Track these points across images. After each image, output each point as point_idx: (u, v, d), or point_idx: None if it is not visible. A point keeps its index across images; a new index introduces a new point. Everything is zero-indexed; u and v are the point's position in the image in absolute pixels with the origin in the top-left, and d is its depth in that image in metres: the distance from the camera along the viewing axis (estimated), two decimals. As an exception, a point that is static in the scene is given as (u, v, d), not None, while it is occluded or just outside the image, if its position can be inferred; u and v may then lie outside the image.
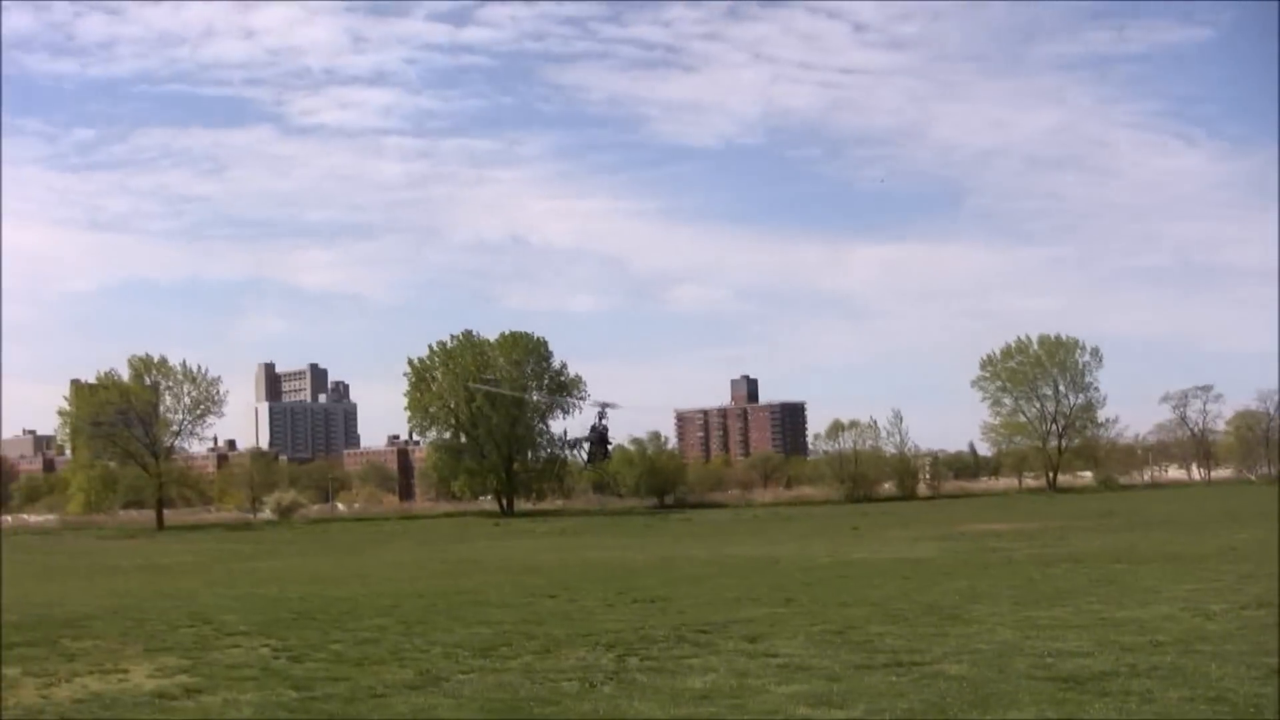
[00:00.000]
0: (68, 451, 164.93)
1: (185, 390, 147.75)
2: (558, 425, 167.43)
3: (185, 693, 21.47)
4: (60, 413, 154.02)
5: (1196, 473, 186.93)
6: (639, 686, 21.09)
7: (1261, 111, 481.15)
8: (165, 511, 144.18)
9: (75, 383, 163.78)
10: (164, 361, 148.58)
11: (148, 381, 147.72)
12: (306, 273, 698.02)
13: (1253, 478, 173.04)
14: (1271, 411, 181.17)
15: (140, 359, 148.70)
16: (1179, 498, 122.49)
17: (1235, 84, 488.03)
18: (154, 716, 19.32)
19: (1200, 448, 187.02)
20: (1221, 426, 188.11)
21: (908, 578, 40.75)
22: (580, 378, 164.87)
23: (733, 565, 49.59)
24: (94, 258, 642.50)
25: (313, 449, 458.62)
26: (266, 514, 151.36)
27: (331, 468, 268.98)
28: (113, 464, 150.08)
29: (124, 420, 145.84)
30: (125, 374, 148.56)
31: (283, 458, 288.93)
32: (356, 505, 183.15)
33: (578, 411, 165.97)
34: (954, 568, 44.37)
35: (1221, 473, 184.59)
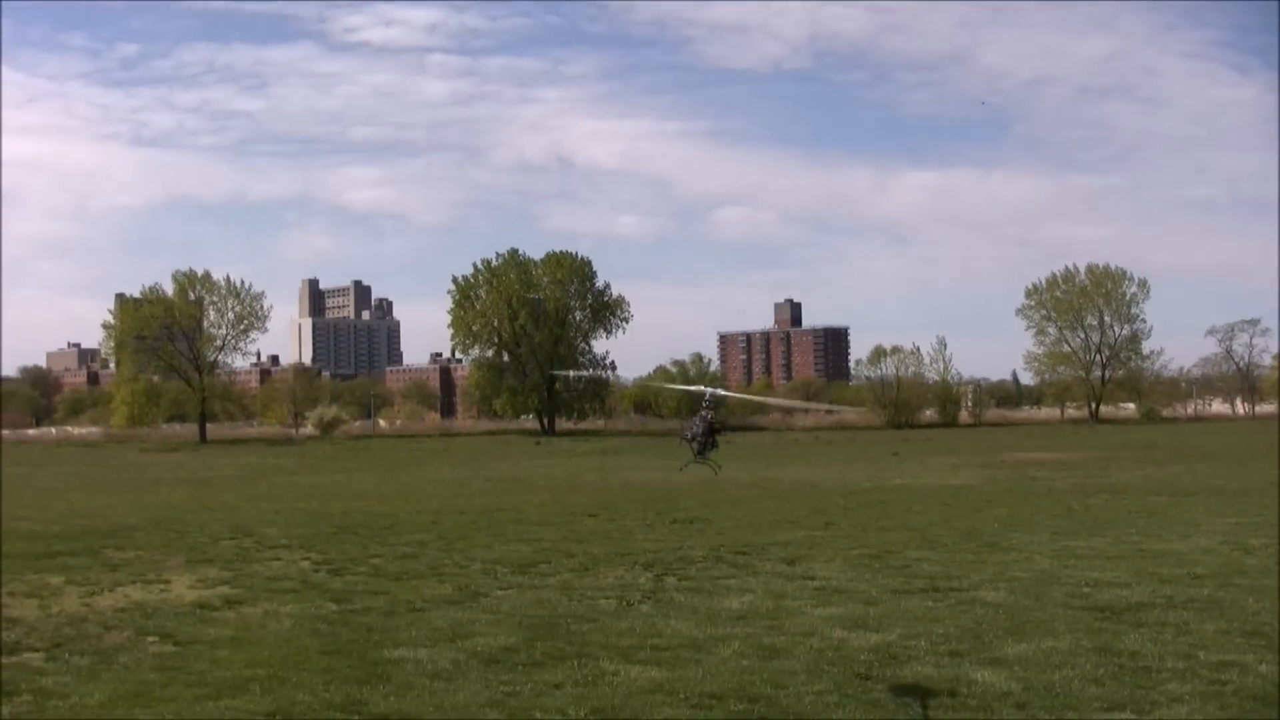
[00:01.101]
0: (112, 365, 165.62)
1: (229, 305, 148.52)
2: (600, 345, 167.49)
3: (226, 604, 21.72)
4: (105, 326, 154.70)
5: (1240, 407, 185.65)
6: (676, 606, 21.21)
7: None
8: (208, 426, 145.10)
9: (120, 297, 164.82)
10: (208, 277, 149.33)
11: (192, 297, 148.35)
12: (351, 190, 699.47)
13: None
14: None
15: (185, 274, 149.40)
16: (1222, 432, 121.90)
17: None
18: (195, 627, 19.53)
19: (1245, 382, 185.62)
20: (1267, 361, 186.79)
21: (948, 504, 40.75)
22: (624, 298, 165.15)
23: (772, 488, 49.65)
24: (139, 173, 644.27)
25: (355, 366, 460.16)
26: (308, 429, 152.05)
27: (374, 385, 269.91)
28: (156, 378, 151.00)
29: (168, 335, 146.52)
30: (170, 289, 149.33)
31: (325, 374, 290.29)
32: (398, 422, 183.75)
33: (621, 332, 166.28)
34: (994, 496, 44.32)
35: (1266, 408, 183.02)
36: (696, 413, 15.50)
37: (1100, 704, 14.04)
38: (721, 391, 14.82)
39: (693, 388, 14.26)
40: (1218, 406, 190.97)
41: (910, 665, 16.18)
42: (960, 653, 16.86)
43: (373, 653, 17.32)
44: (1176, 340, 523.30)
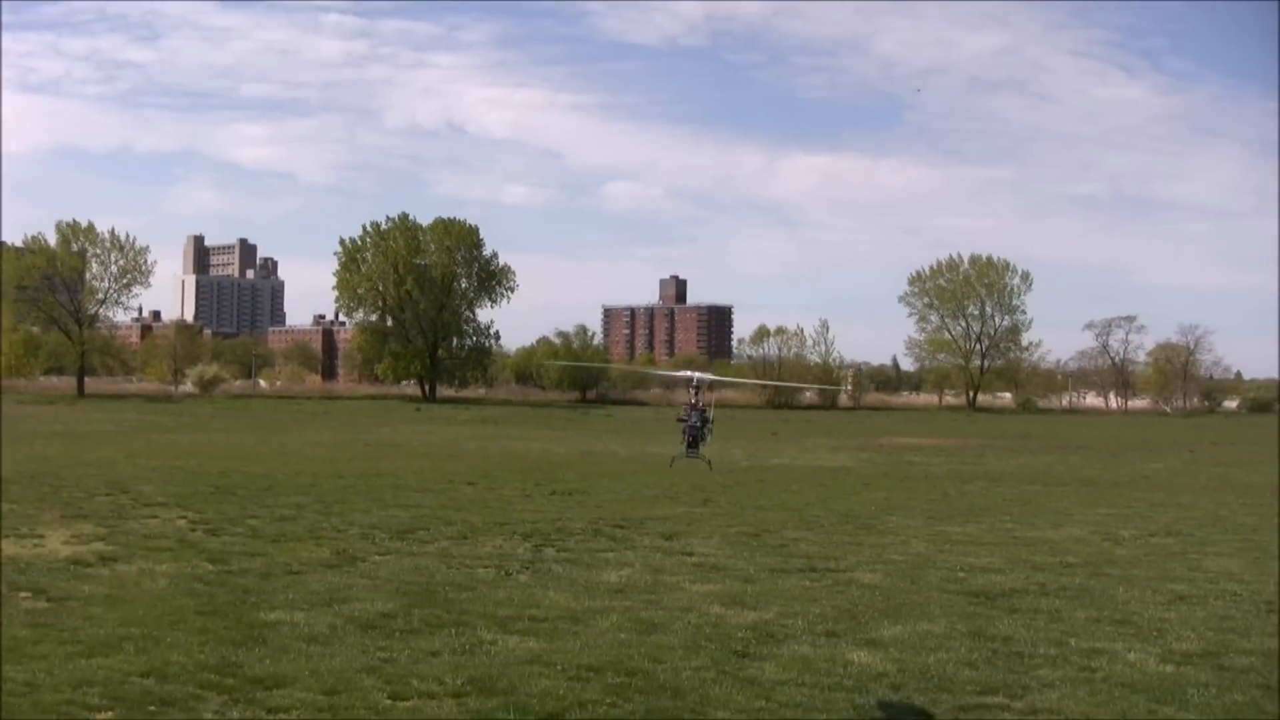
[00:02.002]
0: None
1: (112, 259, 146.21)
2: (485, 314, 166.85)
3: (101, 560, 21.44)
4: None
5: (1114, 401, 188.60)
6: (554, 577, 21.24)
7: (1204, 48, 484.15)
8: (86, 380, 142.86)
9: (0, 245, 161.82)
10: (92, 229, 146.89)
11: (75, 248, 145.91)
12: (239, 147, 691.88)
13: (1168, 409, 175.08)
14: (1191, 346, 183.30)
15: (68, 225, 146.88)
16: (1096, 424, 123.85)
17: (1181, 19, 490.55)
18: (69, 583, 19.26)
19: (1120, 377, 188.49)
20: (1142, 358, 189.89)
21: (825, 486, 41.08)
22: (510, 267, 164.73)
23: (653, 463, 49.75)
24: (24, 119, 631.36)
25: (238, 324, 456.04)
26: (188, 387, 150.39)
27: (256, 344, 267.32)
28: (35, 329, 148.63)
29: (49, 286, 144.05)
30: (52, 239, 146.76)
31: (207, 331, 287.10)
32: (279, 383, 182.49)
33: (506, 301, 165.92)
34: (872, 479, 44.74)
35: (1138, 403, 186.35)
36: (685, 401, 15.23)
37: (974, 688, 14.23)
38: (708, 376, 14.27)
39: (679, 373, 14.08)
40: (1092, 400, 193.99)
41: (787, 644, 16.31)
42: (837, 633, 17.02)
43: (249, 615, 17.18)
44: (1055, 333, 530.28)
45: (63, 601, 17.71)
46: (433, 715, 12.67)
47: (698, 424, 13.44)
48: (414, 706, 12.98)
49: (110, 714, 12.35)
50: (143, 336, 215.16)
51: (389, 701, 13.10)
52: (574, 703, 13.16)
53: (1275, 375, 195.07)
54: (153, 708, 12.58)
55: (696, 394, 12.77)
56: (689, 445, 12.99)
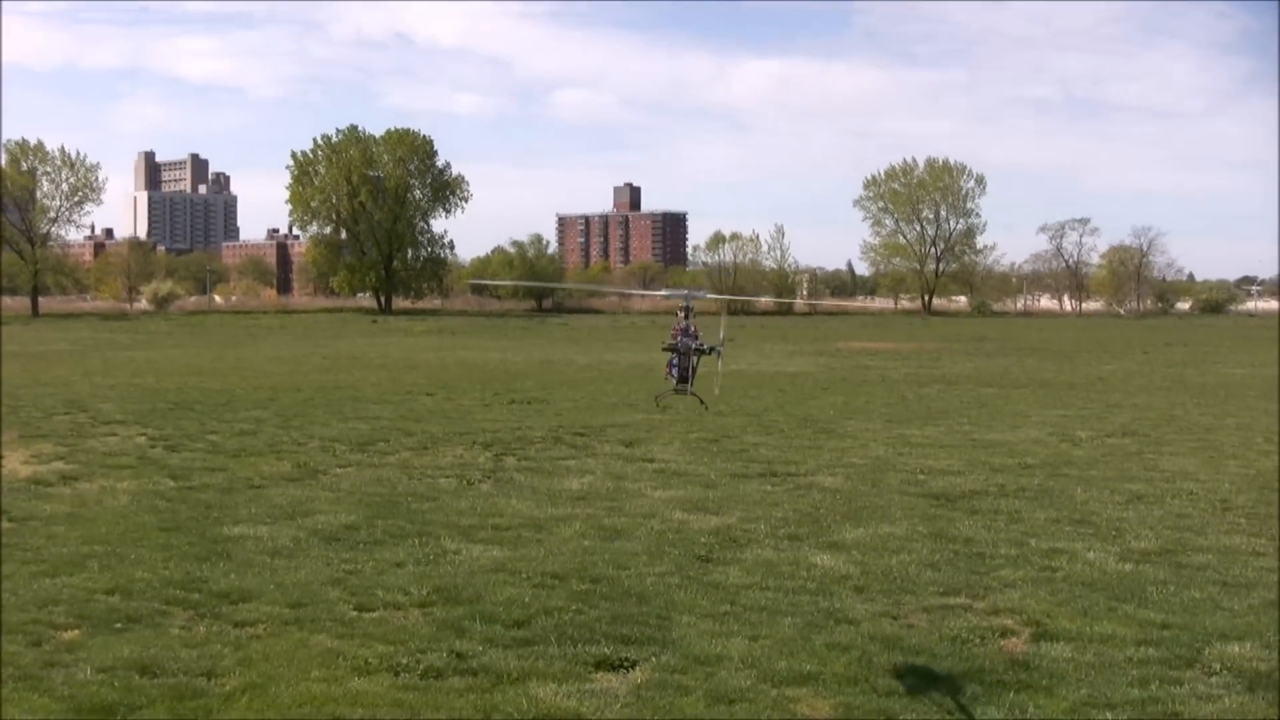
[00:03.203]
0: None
1: (63, 176, 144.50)
2: (439, 224, 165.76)
3: (62, 480, 21.37)
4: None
5: (1068, 304, 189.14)
6: (516, 486, 21.29)
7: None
8: (40, 299, 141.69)
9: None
10: (41, 147, 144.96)
11: (24, 167, 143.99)
12: (186, 61, 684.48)
13: (1122, 312, 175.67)
14: (1145, 248, 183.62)
15: (17, 144, 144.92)
16: (1050, 327, 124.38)
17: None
18: (30, 503, 19.19)
19: (1074, 279, 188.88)
20: (1095, 260, 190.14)
21: (783, 391, 41.17)
22: (463, 178, 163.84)
23: (610, 371, 49.81)
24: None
25: (191, 240, 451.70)
26: (143, 304, 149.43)
27: (210, 260, 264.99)
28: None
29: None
30: (1, 159, 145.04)
31: (161, 248, 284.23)
32: (234, 298, 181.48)
33: (460, 211, 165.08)
34: (829, 384, 44.87)
35: (1092, 305, 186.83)
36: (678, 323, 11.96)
37: (936, 588, 14.35)
38: (705, 293, 12.50)
39: (673, 291, 11.84)
40: (1046, 302, 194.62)
41: (750, 548, 16.40)
42: (799, 537, 17.13)
43: (212, 530, 17.18)
44: (1009, 236, 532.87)
45: (24, 521, 17.67)
46: (399, 626, 12.70)
47: (692, 351, 10.60)
48: (380, 617, 13.01)
49: (76, 632, 12.34)
50: (96, 254, 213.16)
51: (355, 613, 13.13)
52: (540, 610, 13.21)
53: (1226, 277, 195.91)
54: (119, 624, 12.58)
55: (688, 315, 10.40)
56: (679, 379, 10.36)
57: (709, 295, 12.16)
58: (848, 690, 10.92)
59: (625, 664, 11.34)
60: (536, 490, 20.76)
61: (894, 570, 15.15)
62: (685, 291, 11.59)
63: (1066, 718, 10.39)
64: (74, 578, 14.30)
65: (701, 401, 12.16)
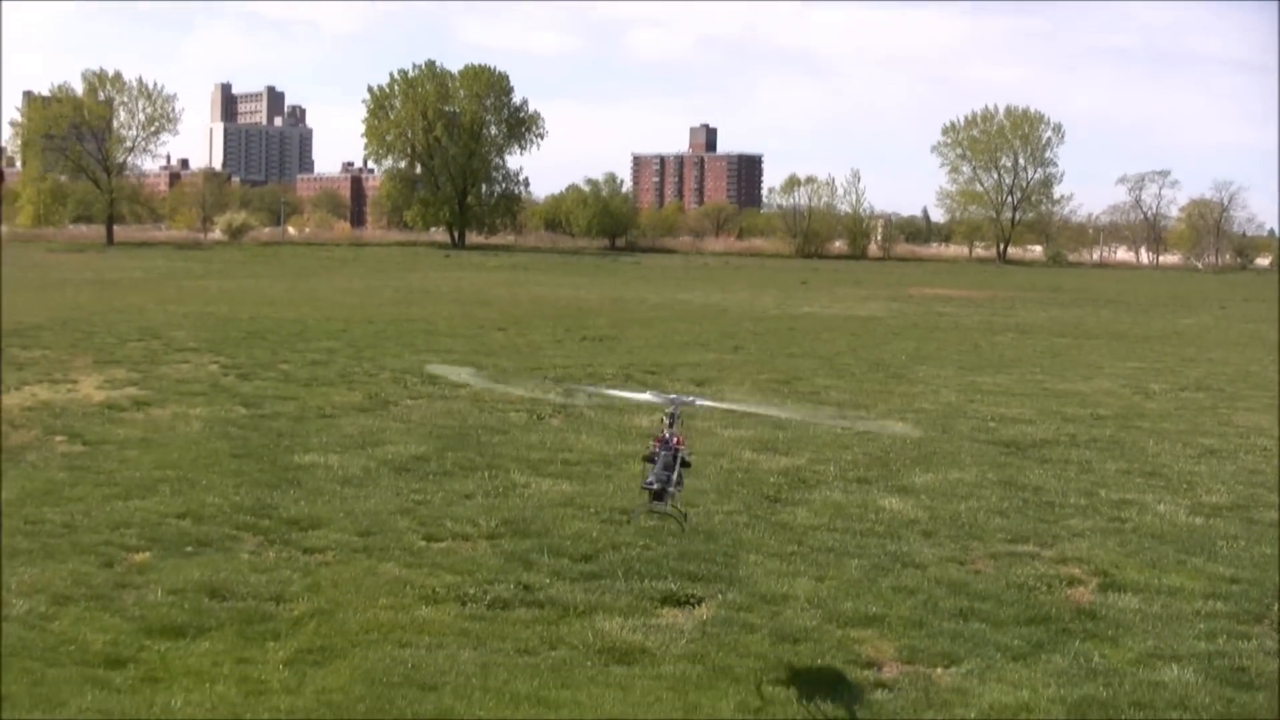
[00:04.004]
0: (18, 164, 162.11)
1: (140, 106, 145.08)
2: (514, 161, 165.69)
3: (134, 405, 21.58)
4: (12, 124, 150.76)
5: (1145, 257, 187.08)
6: (586, 421, 21.32)
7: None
8: (115, 228, 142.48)
9: (28, 95, 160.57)
10: (119, 77, 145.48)
11: (102, 96, 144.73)
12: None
13: (1199, 266, 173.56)
14: (1225, 202, 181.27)
15: (95, 74, 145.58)
16: (1126, 279, 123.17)
17: None
18: (103, 427, 19.39)
19: (1151, 232, 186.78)
20: (1174, 213, 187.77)
21: (855, 335, 41.02)
22: (539, 115, 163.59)
23: (682, 311, 49.76)
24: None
25: (266, 172, 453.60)
26: (217, 234, 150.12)
27: (284, 192, 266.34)
28: (64, 178, 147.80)
29: (77, 134, 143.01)
30: (79, 88, 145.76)
31: (235, 179, 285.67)
32: (307, 230, 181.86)
33: (535, 149, 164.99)
34: (902, 329, 44.64)
35: (1169, 259, 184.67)
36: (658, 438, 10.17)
37: (1004, 535, 14.29)
38: (695, 399, 11.10)
39: (655, 397, 10.83)
40: (1123, 254, 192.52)
41: (819, 490, 16.39)
42: (868, 480, 17.09)
43: (283, 458, 17.31)
44: (1087, 186, 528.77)
45: (98, 445, 17.85)
46: (467, 557, 12.78)
47: (668, 465, 9.74)
48: (448, 548, 13.09)
49: (147, 554, 12.48)
50: (171, 184, 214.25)
51: (423, 543, 13.21)
52: (607, 545, 13.25)
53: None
54: (189, 548, 12.72)
55: (672, 424, 8.61)
56: (654, 495, 9.64)
57: (699, 402, 11.13)
58: (912, 634, 10.91)
59: (691, 600, 11.36)
60: (606, 426, 20.79)
61: (962, 516, 15.10)
62: (673, 397, 10.50)
63: (1131, 668, 10.33)
64: (146, 501, 14.45)
65: (680, 522, 10.80)
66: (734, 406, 16.30)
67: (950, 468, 18.19)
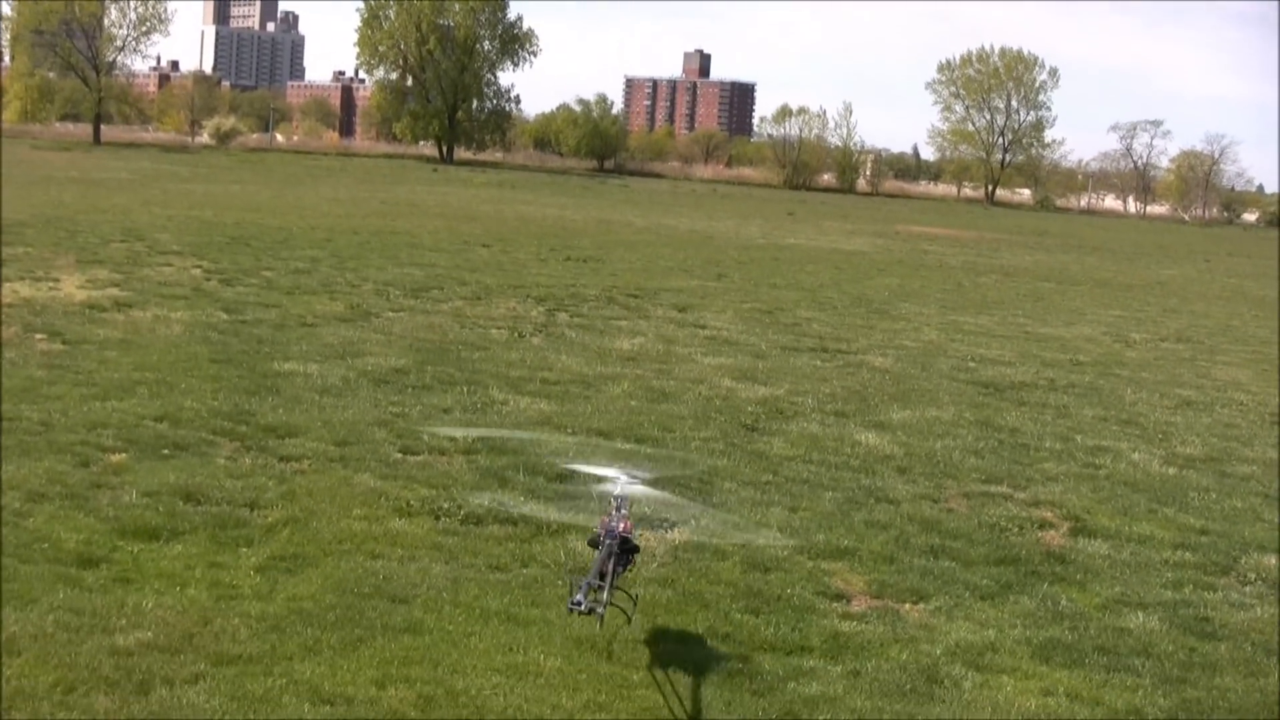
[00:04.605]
0: (7, 59, 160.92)
1: (131, 5, 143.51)
2: (506, 78, 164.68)
3: (116, 305, 21.50)
4: (1, 18, 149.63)
5: (1132, 206, 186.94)
6: (567, 342, 21.36)
7: None
8: (102, 128, 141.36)
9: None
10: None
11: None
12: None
13: (1186, 218, 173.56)
14: (1216, 155, 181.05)
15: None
16: (1113, 227, 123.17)
17: None
18: (84, 327, 19.32)
19: (1141, 181, 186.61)
20: (1164, 164, 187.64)
21: (840, 268, 41.04)
22: (534, 32, 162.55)
23: (668, 236, 49.69)
24: None
25: (256, 78, 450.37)
26: (204, 139, 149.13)
27: (274, 98, 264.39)
28: (52, 75, 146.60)
29: (67, 31, 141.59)
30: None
31: (225, 83, 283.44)
32: (295, 138, 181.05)
33: (528, 66, 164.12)
34: (887, 265, 44.66)
35: (1157, 209, 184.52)
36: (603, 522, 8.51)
37: (979, 475, 14.36)
38: (640, 486, 9.25)
39: (604, 473, 9.40)
40: (1111, 202, 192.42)
41: (796, 421, 16.44)
42: (846, 413, 17.15)
43: (262, 365, 17.28)
44: (1079, 133, 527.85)
45: (78, 345, 17.79)
46: (443, 471, 12.80)
47: (608, 556, 8.10)
48: (424, 461, 13.11)
49: (123, 456, 12.47)
50: (160, 86, 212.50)
51: (400, 455, 13.23)
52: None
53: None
54: (166, 451, 12.71)
55: (619, 509, 8.58)
56: (596, 587, 7.77)
57: (640, 489, 9.11)
58: (883, 568, 10.97)
59: (664, 524, 11.38)
60: (587, 348, 20.82)
61: (938, 454, 15.17)
62: (622, 479, 8.97)
63: (1098, 613, 10.40)
64: (124, 403, 14.42)
65: (627, 612, 8.56)
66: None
67: (928, 405, 18.26)
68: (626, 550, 8.30)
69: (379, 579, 9.73)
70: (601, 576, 7.88)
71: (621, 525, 8.34)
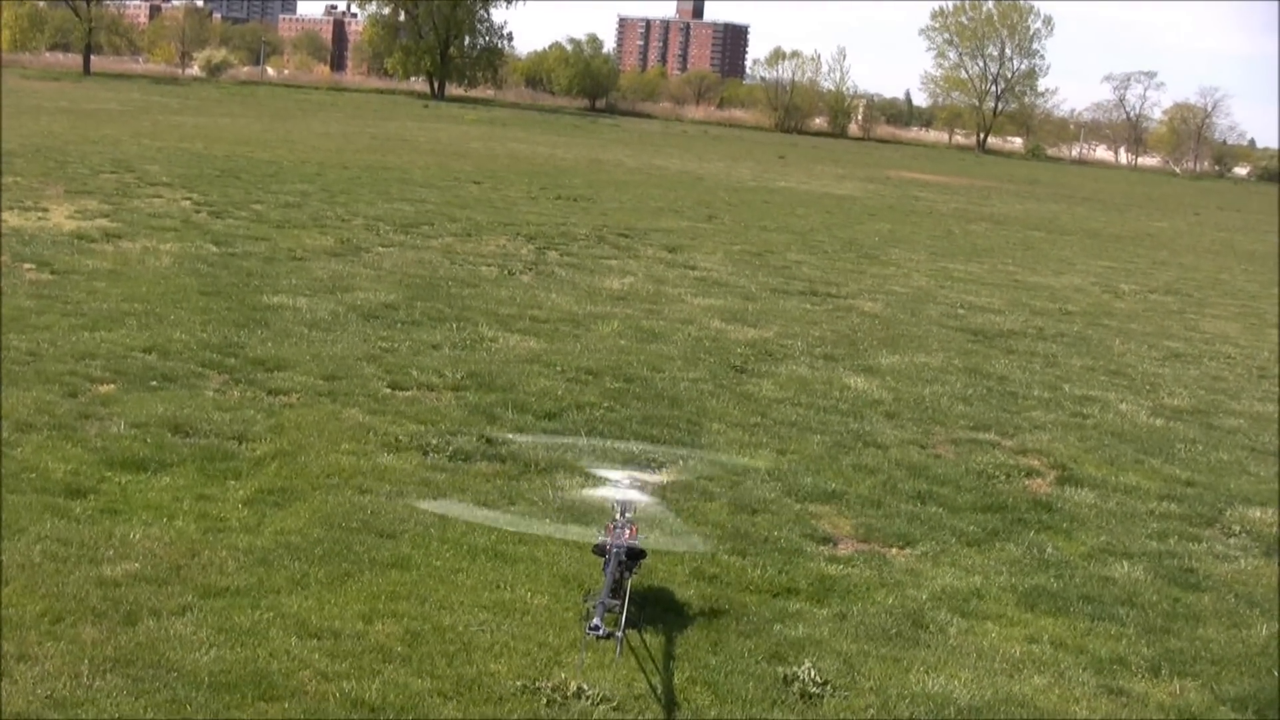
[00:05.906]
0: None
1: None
2: (499, 15, 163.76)
3: (105, 236, 21.42)
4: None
5: (1124, 157, 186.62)
6: (557, 280, 21.35)
7: None
8: (92, 58, 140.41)
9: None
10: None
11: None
12: None
13: (1178, 170, 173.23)
14: (1209, 108, 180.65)
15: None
16: (1104, 177, 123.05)
17: None
18: (73, 257, 19.25)
19: (1133, 133, 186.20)
20: (1157, 115, 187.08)
21: (830, 212, 40.97)
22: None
23: (658, 176, 49.56)
24: None
25: (248, 10, 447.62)
26: (195, 70, 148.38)
27: (265, 31, 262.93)
28: (42, 4, 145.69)
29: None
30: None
31: (217, 15, 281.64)
32: (286, 72, 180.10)
33: (521, 3, 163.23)
34: (877, 210, 44.58)
35: (1148, 161, 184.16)
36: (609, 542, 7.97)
37: (967, 422, 14.38)
38: (644, 497, 8.87)
39: (605, 493, 9.02)
40: (1102, 153, 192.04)
41: (785, 363, 16.45)
42: (835, 357, 17.17)
43: (251, 297, 17.25)
44: (1072, 82, 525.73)
45: (66, 275, 17.73)
46: (431, 407, 12.80)
47: (618, 579, 7.75)
48: (413, 397, 13.11)
49: (111, 386, 12.45)
50: (151, 17, 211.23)
51: (388, 390, 13.23)
52: (572, 404, 13.30)
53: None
54: (154, 383, 12.69)
55: (623, 514, 8.31)
56: (600, 614, 7.10)
57: (646, 501, 8.80)
58: (870, 512, 11.00)
59: (652, 464, 11.38)
60: (577, 286, 20.80)
61: (926, 400, 15.19)
62: (627, 480, 8.77)
63: (1083, 562, 10.44)
64: (112, 333, 14.38)
65: (622, 639, 7.50)
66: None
67: (917, 351, 18.28)
68: (633, 557, 8.03)
69: (366, 514, 9.74)
70: (615, 594, 7.59)
71: (627, 532, 8.13)
